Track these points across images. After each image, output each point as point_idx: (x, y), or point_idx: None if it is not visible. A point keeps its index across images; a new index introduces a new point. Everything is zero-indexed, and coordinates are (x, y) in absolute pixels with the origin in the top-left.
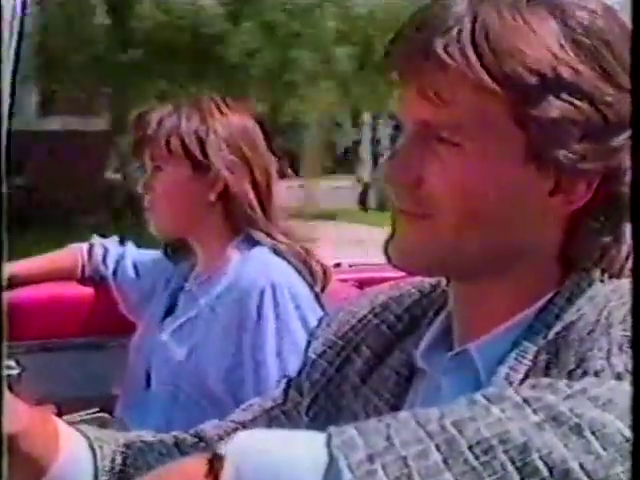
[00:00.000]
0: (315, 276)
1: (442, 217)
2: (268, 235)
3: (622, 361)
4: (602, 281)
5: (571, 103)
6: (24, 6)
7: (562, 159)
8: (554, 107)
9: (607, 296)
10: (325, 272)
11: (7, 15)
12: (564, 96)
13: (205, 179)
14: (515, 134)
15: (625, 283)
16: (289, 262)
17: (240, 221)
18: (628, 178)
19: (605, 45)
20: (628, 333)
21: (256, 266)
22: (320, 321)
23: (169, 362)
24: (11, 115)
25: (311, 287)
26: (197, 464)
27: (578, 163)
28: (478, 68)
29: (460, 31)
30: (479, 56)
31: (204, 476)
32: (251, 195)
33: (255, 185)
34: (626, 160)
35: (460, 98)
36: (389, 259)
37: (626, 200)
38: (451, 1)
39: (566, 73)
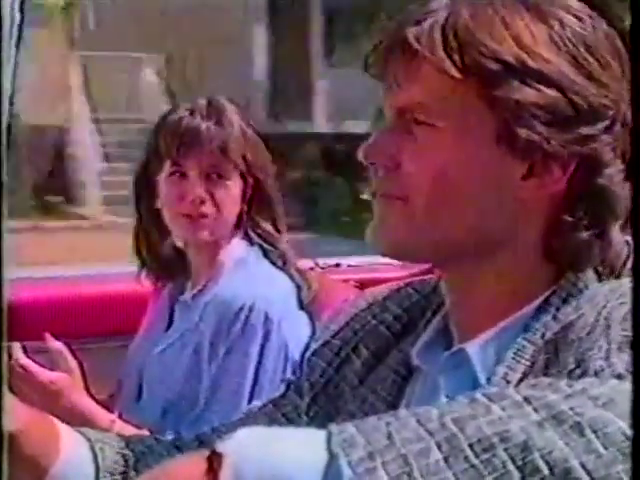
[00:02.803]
0: (304, 282)
1: (416, 198)
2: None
3: (622, 361)
4: (600, 281)
5: (536, 88)
6: (24, 6)
7: (527, 139)
8: (517, 90)
9: (606, 296)
10: (310, 286)
11: (7, 15)
12: (528, 81)
13: (248, 188)
14: (485, 114)
15: (624, 283)
16: (283, 270)
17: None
18: (609, 171)
19: (581, 40)
20: (627, 333)
21: (243, 278)
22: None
23: (162, 378)
24: (11, 113)
25: (300, 301)
26: (197, 462)
27: (544, 145)
28: (441, 54)
29: (433, 23)
30: (444, 44)
31: (204, 474)
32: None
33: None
34: (604, 152)
35: (429, 82)
36: (371, 245)
37: (605, 194)
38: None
39: (532, 61)
